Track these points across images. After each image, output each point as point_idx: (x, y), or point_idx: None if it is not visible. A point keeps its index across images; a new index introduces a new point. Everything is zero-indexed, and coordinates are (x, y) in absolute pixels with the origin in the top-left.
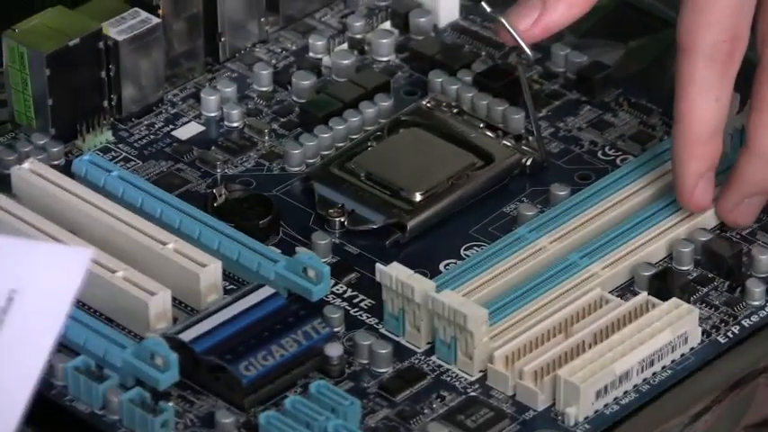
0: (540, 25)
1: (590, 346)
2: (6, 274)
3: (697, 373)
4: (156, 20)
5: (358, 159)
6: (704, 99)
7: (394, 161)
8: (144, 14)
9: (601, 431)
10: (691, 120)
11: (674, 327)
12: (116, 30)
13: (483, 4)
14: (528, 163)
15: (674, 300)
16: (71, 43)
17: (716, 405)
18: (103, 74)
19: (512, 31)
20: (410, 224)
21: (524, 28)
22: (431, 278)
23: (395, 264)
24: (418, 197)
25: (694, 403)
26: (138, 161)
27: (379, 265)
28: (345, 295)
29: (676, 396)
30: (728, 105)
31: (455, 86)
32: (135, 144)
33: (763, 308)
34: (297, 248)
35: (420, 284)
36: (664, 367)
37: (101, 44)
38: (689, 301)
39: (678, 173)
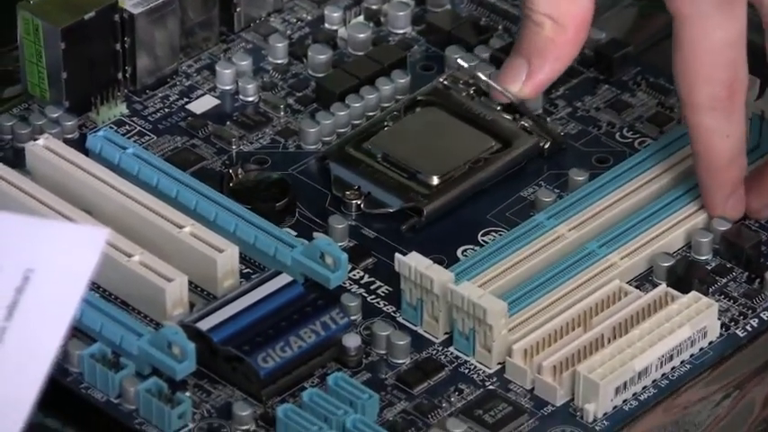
0: (529, 85)
1: (609, 341)
2: (22, 253)
3: (715, 367)
4: None
5: (374, 140)
6: (716, 138)
7: (411, 142)
8: None
9: (619, 427)
10: (708, 155)
11: (694, 322)
12: (132, 2)
13: (459, 61)
14: (546, 146)
15: (693, 293)
16: (86, 17)
17: (736, 392)
18: (118, 46)
19: (506, 93)
20: (427, 209)
21: (515, 90)
22: (448, 264)
23: (414, 254)
24: (435, 181)
25: (712, 395)
26: (153, 135)
27: (398, 255)
28: (362, 281)
29: (694, 391)
30: (743, 131)
31: (473, 63)
32: (149, 117)
33: None
34: (314, 234)
35: (439, 276)
36: (682, 362)
37: (116, 17)
38: (707, 293)
39: (706, 197)
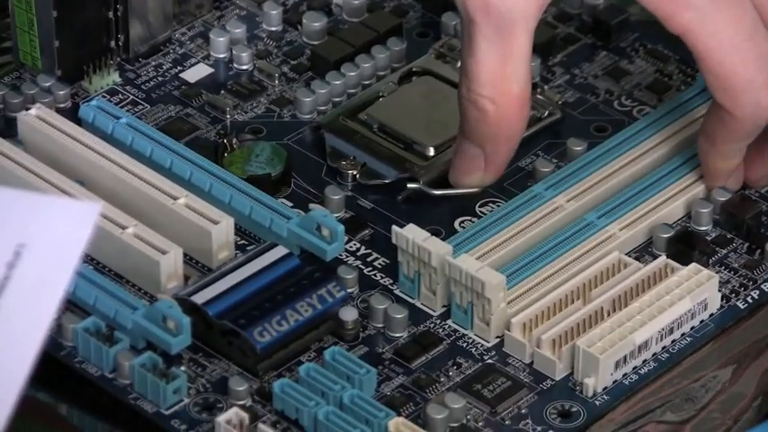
0: (491, 171)
1: (608, 314)
2: (14, 228)
3: (716, 339)
4: None
5: (370, 110)
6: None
7: (407, 113)
8: None
9: (620, 401)
10: (718, 175)
11: (694, 294)
12: None
13: (409, 186)
14: (544, 116)
15: (693, 265)
16: None
17: (737, 365)
18: (111, 14)
19: (469, 190)
20: (423, 179)
21: (476, 182)
22: (445, 236)
23: (411, 226)
24: (432, 151)
25: (713, 370)
26: (146, 105)
27: (395, 228)
28: (359, 253)
29: (695, 364)
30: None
31: None
32: (143, 86)
33: None
34: (310, 205)
35: (436, 248)
36: (683, 334)
37: None
38: (707, 264)
39: (707, 172)
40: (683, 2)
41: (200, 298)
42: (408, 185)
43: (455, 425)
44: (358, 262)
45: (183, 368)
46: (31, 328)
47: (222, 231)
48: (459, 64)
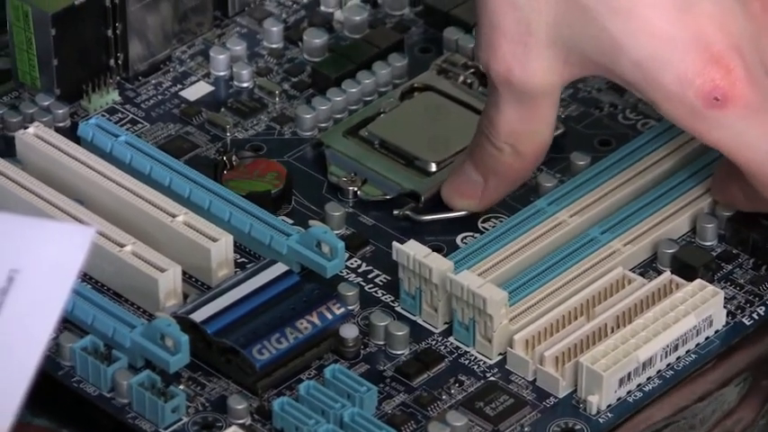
0: (484, 202)
1: (612, 330)
2: (6, 254)
3: (721, 356)
4: None
5: (371, 127)
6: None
7: (408, 129)
8: None
9: (624, 419)
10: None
11: (699, 310)
12: None
13: (395, 213)
14: None
15: (698, 281)
16: (77, 2)
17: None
18: (110, 32)
19: (459, 212)
20: (425, 195)
21: (466, 206)
22: (447, 252)
23: (412, 242)
24: (433, 167)
25: (718, 387)
26: (146, 123)
27: (396, 244)
28: (360, 270)
29: (700, 381)
30: None
31: (471, 45)
32: (142, 105)
33: None
34: (310, 222)
35: (438, 264)
36: (688, 351)
37: (107, 2)
38: (712, 280)
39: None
40: (713, 122)
41: (198, 316)
42: (394, 212)
43: None
44: (359, 279)
45: (181, 387)
46: (25, 355)
47: (221, 249)
48: (461, 79)
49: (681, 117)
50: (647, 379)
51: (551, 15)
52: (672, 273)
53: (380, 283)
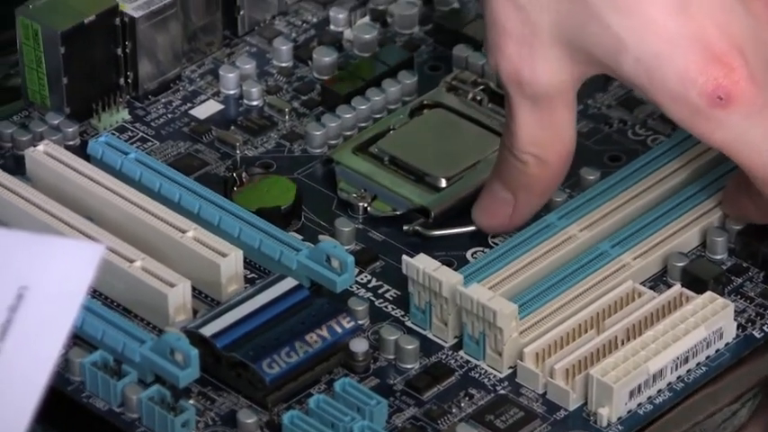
0: (516, 219)
1: (623, 343)
2: (15, 271)
3: (732, 369)
4: None
5: (381, 143)
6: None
7: (418, 145)
8: None
9: (634, 431)
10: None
11: (709, 323)
12: (133, 5)
13: (409, 228)
14: None
15: (708, 294)
16: (86, 20)
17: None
18: (119, 51)
19: (464, 230)
20: (435, 211)
21: (499, 229)
22: (457, 267)
23: (422, 255)
24: (443, 183)
25: (729, 400)
26: (156, 141)
27: (405, 258)
28: (370, 285)
29: (711, 394)
30: None
31: (481, 62)
32: (152, 123)
33: None
34: (320, 236)
35: (448, 278)
36: (698, 364)
37: (117, 20)
38: (723, 293)
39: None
40: (716, 122)
41: (208, 330)
42: (404, 227)
43: None
44: (369, 294)
45: (191, 401)
46: (34, 372)
47: (231, 264)
48: (470, 96)
49: (685, 118)
50: (658, 392)
51: (555, 14)
52: (682, 286)
53: (390, 298)
